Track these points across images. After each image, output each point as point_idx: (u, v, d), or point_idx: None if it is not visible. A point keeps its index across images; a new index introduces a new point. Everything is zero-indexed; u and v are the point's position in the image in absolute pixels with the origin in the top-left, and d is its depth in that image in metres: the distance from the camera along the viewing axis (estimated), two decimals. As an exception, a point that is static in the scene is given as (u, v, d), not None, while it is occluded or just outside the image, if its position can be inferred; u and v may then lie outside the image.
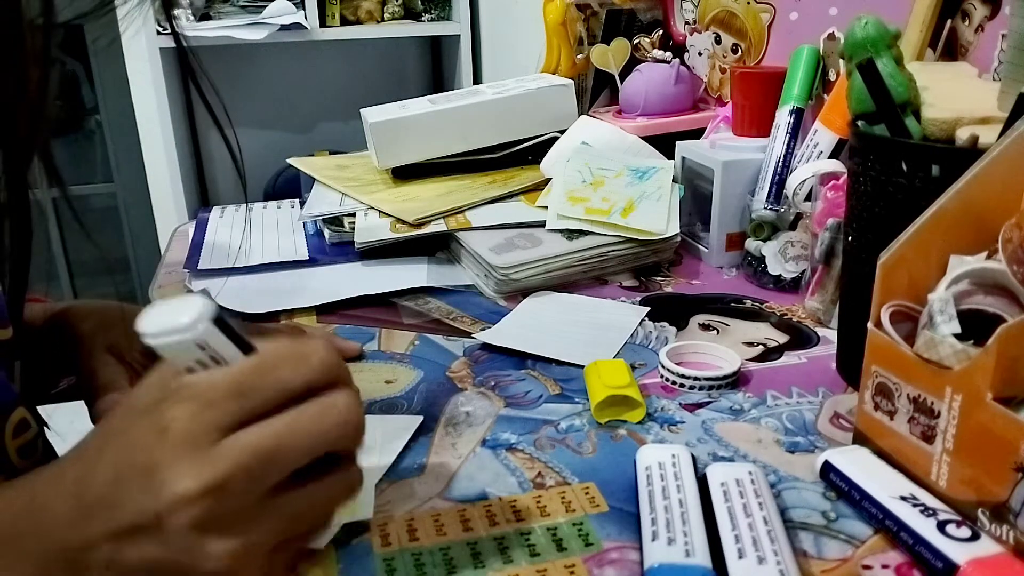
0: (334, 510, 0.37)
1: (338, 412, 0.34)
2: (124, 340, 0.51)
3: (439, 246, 0.86)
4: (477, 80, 2.08)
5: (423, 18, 2.11)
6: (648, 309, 0.71)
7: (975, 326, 0.39)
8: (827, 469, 0.45)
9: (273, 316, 0.71)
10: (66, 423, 0.49)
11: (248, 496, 0.33)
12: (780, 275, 0.75)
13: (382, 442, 0.50)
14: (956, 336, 0.39)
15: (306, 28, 1.92)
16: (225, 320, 0.33)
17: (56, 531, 0.34)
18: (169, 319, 0.32)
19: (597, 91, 1.19)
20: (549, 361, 0.62)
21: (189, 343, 0.32)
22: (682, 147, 0.87)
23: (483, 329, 0.67)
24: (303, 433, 0.33)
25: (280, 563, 0.36)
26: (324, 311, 0.72)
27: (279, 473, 0.33)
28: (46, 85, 0.40)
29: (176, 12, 0.44)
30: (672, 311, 0.71)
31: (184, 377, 0.34)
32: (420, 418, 0.53)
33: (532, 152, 1.00)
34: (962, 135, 0.49)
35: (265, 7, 1.90)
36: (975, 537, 0.37)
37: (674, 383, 0.57)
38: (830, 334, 0.65)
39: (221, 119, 0.47)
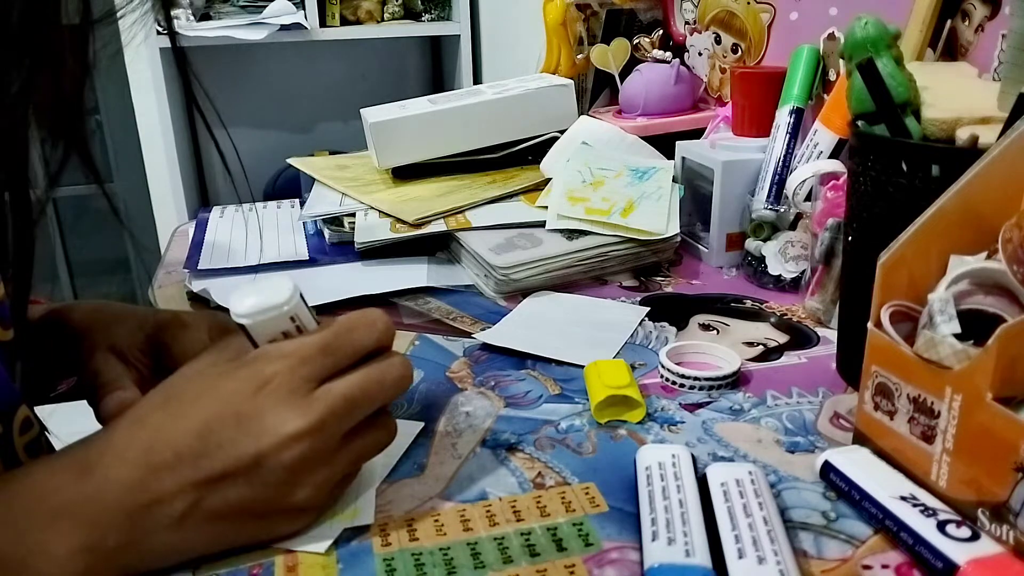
0: (378, 453, 0.43)
1: (400, 368, 0.42)
2: (125, 339, 0.51)
3: (439, 246, 0.86)
4: (477, 80, 2.08)
5: (423, 18, 2.11)
6: (648, 309, 0.71)
7: (975, 326, 0.39)
8: (827, 469, 0.45)
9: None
10: (64, 424, 0.49)
11: (335, 438, 0.39)
12: (780, 275, 0.75)
13: None
14: (956, 336, 0.39)
15: (306, 28, 1.92)
16: (303, 295, 0.40)
17: (114, 495, 0.36)
18: (264, 299, 0.39)
19: (597, 91, 1.19)
20: (549, 361, 0.62)
21: (285, 317, 0.40)
22: (682, 147, 0.87)
23: (483, 329, 0.67)
24: (379, 383, 0.40)
25: (336, 496, 0.43)
26: (324, 311, 0.72)
27: (360, 417, 0.40)
28: (83, 85, 0.41)
29: (175, 12, 0.44)
30: (672, 311, 0.71)
31: (266, 345, 0.40)
32: (420, 424, 0.53)
33: (532, 152, 1.00)
34: (962, 135, 0.49)
35: (265, 7, 1.90)
36: (975, 537, 0.37)
37: (674, 383, 0.57)
38: (830, 334, 0.65)
39: (212, 121, 0.48)
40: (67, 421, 0.50)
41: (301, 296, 0.40)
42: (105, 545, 0.36)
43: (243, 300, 0.39)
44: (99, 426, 0.43)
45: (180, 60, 0.47)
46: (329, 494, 0.41)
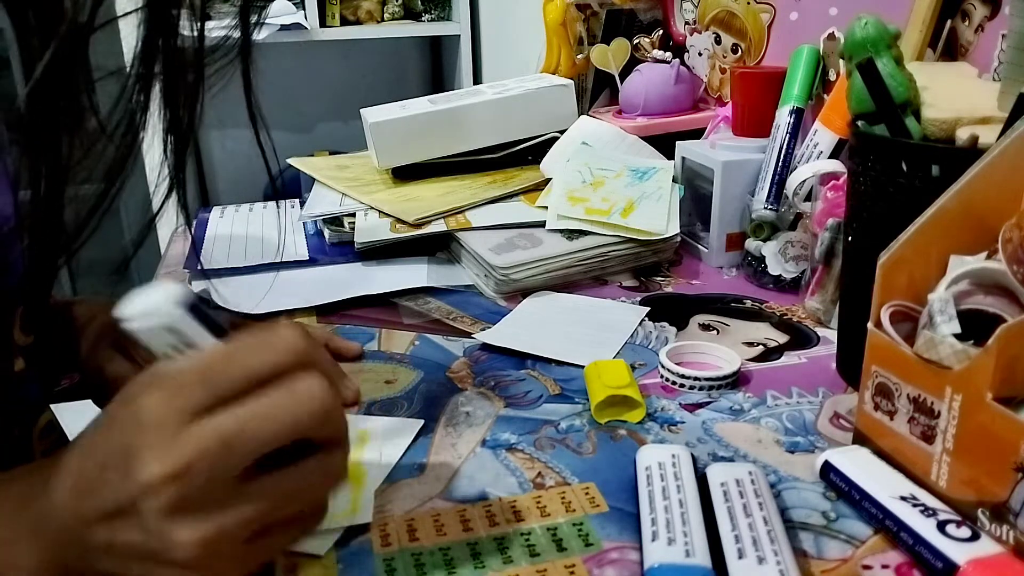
0: (318, 498, 0.36)
1: (305, 397, 0.34)
2: (129, 337, 0.52)
3: (439, 246, 0.86)
4: (477, 80, 2.08)
5: (423, 18, 2.11)
6: (648, 309, 0.71)
7: (975, 326, 0.39)
8: (827, 469, 0.45)
9: (273, 316, 0.71)
10: (71, 423, 0.49)
11: (215, 481, 0.33)
12: (780, 275, 0.75)
13: (382, 446, 0.50)
14: (956, 336, 0.39)
15: (306, 28, 1.92)
16: (201, 308, 0.34)
17: (58, 513, 0.35)
18: (142, 303, 0.33)
19: (597, 91, 1.19)
20: (549, 361, 0.62)
21: (159, 328, 0.33)
22: (682, 147, 0.87)
23: (483, 329, 0.67)
24: (267, 418, 0.33)
25: (259, 553, 0.35)
26: (324, 311, 0.72)
27: (244, 458, 0.33)
28: (195, 101, 0.42)
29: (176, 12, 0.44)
30: (672, 311, 0.71)
31: (158, 365, 0.34)
32: (420, 422, 0.53)
33: (532, 152, 1.00)
34: (962, 135, 0.49)
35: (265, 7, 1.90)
36: (975, 537, 0.37)
37: (674, 383, 0.57)
38: (830, 334, 0.65)
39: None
40: (75, 420, 0.50)
41: (196, 308, 0.34)
42: (65, 561, 0.35)
43: (130, 300, 0.34)
44: None
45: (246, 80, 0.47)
46: (239, 549, 0.34)
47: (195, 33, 0.42)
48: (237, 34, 0.44)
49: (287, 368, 0.34)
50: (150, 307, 0.33)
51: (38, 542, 0.35)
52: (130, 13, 0.40)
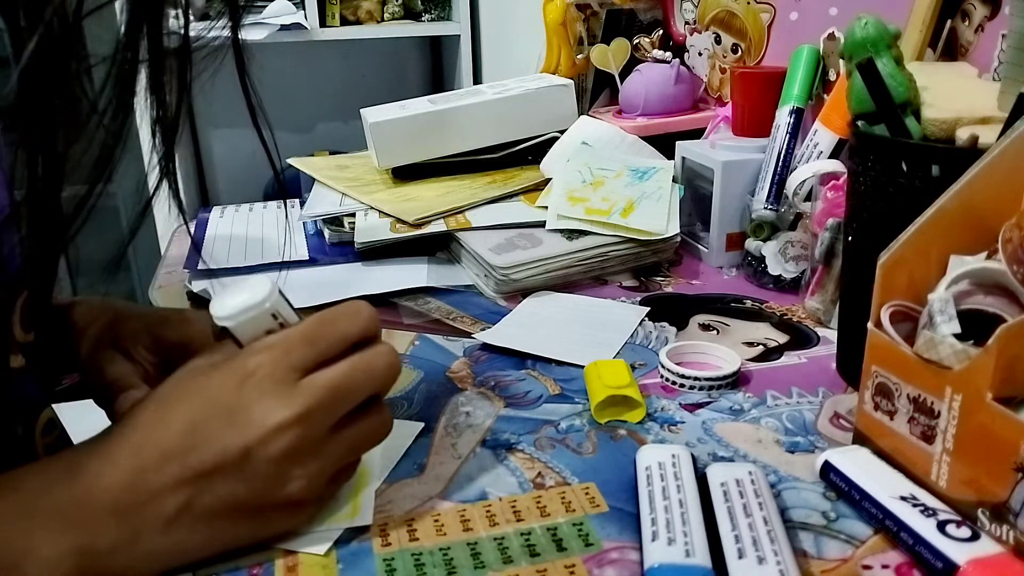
0: (375, 444, 0.42)
1: (387, 357, 0.41)
2: (130, 337, 0.52)
3: (439, 246, 0.86)
4: (477, 80, 2.08)
5: (423, 18, 2.11)
6: (648, 309, 0.71)
7: (975, 326, 0.39)
8: (827, 469, 0.45)
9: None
10: (72, 422, 0.49)
11: (323, 427, 0.38)
12: (780, 275, 0.75)
13: (382, 449, 0.49)
14: (956, 336, 0.39)
15: (306, 28, 1.92)
16: (283, 292, 0.41)
17: (102, 497, 0.36)
18: (244, 299, 0.39)
19: (597, 91, 1.19)
20: (549, 361, 0.62)
21: (267, 314, 0.40)
22: (682, 147, 0.87)
23: (483, 329, 0.67)
24: (365, 372, 0.40)
25: (334, 487, 0.42)
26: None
27: (348, 406, 0.39)
28: (183, 89, 0.43)
29: (176, 12, 0.44)
30: (672, 311, 0.71)
31: (221, 349, 0.40)
32: (420, 425, 0.52)
33: (532, 152, 1.00)
34: (962, 135, 0.49)
35: (265, 7, 1.90)
36: (975, 537, 0.37)
37: (674, 383, 0.57)
38: (830, 334, 0.65)
39: (213, 121, 0.49)
40: (75, 419, 0.50)
41: (281, 293, 0.40)
42: (95, 548, 0.35)
43: (224, 302, 0.39)
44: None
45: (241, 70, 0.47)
46: (324, 486, 0.40)
47: (181, 20, 0.42)
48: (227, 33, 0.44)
49: (370, 333, 0.41)
50: (254, 300, 0.39)
51: (62, 531, 0.35)
52: None
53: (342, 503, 0.44)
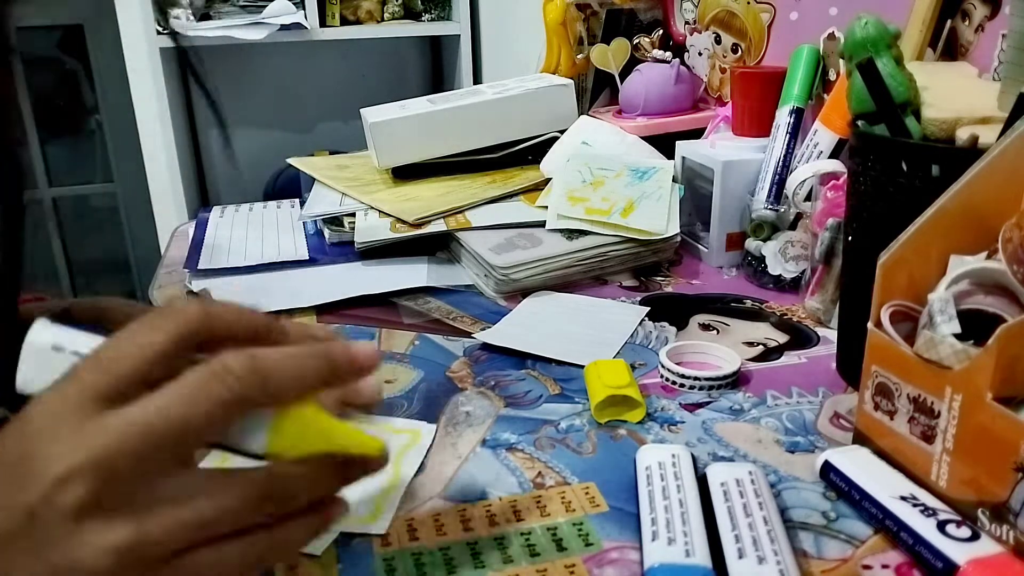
0: (273, 547, 0.32)
1: (221, 372, 0.30)
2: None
3: (439, 246, 0.86)
4: (477, 80, 2.07)
5: (423, 18, 2.11)
6: (648, 309, 0.71)
7: (975, 326, 0.39)
8: (827, 469, 0.45)
9: (273, 316, 0.71)
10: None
11: (137, 474, 0.29)
12: (780, 275, 0.75)
13: (397, 454, 0.49)
14: (956, 336, 0.39)
15: (306, 28, 1.91)
16: (68, 317, 0.33)
17: None
18: (26, 364, 0.32)
19: (597, 91, 1.19)
20: (549, 361, 0.62)
21: (46, 356, 0.31)
22: (682, 147, 0.87)
23: (483, 329, 0.67)
24: (190, 401, 0.29)
25: (203, 572, 0.30)
26: (324, 311, 0.72)
27: (173, 449, 0.29)
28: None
29: (177, 12, 0.43)
30: (672, 311, 0.71)
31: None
32: (433, 426, 0.52)
33: (532, 152, 1.00)
34: (962, 135, 0.49)
35: (265, 7, 1.90)
36: (975, 537, 0.37)
37: (674, 383, 0.57)
38: (830, 334, 0.65)
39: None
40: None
41: (62, 317, 0.33)
42: None
43: (23, 376, 0.32)
44: None
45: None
46: (163, 568, 0.29)
47: None
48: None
49: (189, 338, 0.31)
50: (28, 347, 0.31)
51: None
52: None
53: (366, 505, 0.43)
